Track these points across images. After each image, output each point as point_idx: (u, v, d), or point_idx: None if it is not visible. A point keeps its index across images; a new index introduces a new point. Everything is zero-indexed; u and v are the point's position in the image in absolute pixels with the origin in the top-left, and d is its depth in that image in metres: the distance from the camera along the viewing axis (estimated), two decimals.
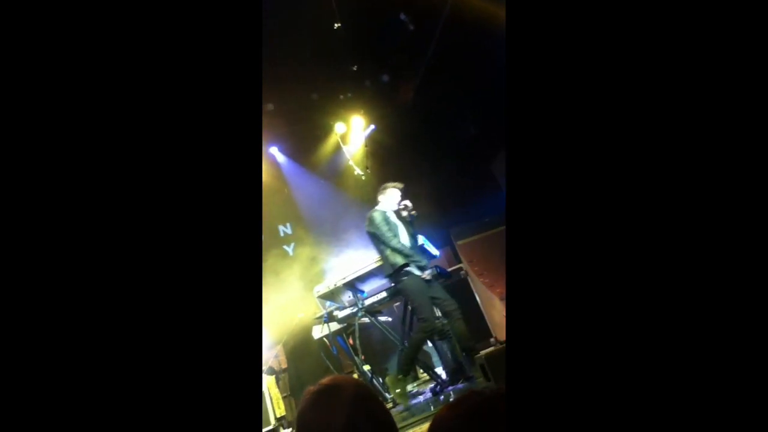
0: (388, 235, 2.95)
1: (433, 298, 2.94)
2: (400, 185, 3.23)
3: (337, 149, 5.36)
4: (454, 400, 0.72)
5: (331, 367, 3.52)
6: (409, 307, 3.18)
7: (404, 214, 3.09)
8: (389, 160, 5.40)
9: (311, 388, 1.00)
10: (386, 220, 3.01)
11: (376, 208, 3.12)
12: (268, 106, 4.86)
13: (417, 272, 2.91)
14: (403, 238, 3.03)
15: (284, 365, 3.73)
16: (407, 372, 2.89)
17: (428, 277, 2.91)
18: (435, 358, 3.67)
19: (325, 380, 1.02)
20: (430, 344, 3.58)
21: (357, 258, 3.91)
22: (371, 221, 3.03)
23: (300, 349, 3.92)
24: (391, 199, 3.15)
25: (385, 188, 3.22)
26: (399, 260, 2.91)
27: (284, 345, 3.81)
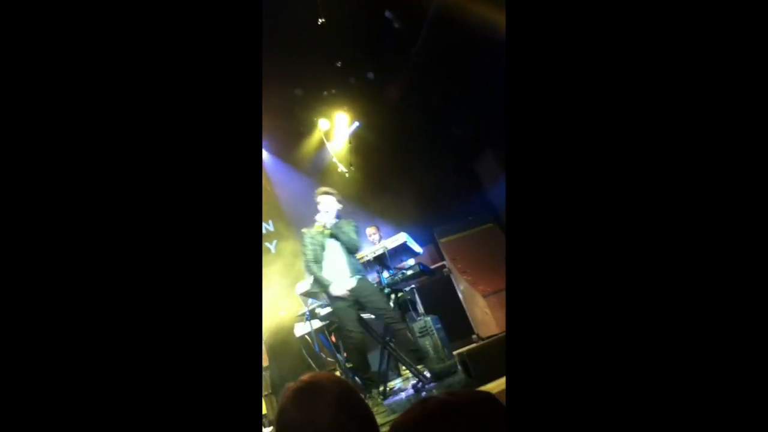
0: (307, 258, 2.92)
1: (374, 310, 2.89)
2: (326, 190, 3.05)
3: (321, 146, 5.33)
4: (410, 406, 0.70)
5: (313, 365, 3.51)
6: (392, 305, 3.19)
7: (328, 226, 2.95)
8: (373, 157, 5.39)
9: (291, 385, 0.99)
10: (311, 241, 2.92)
11: (316, 218, 2.99)
12: None
13: (334, 293, 2.87)
14: (333, 255, 2.94)
15: (265, 363, 3.69)
16: (370, 385, 2.88)
17: (345, 296, 2.86)
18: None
19: (305, 377, 1.00)
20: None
21: None
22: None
23: (282, 347, 3.89)
24: (326, 208, 2.99)
25: (317, 195, 3.05)
26: (314, 287, 2.94)
27: (265, 343, 3.78)
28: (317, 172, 5.42)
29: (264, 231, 5.21)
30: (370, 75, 5.44)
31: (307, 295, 3.29)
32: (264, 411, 3.33)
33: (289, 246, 4.83)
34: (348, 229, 2.99)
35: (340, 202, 3.06)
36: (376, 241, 3.83)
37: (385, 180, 5.32)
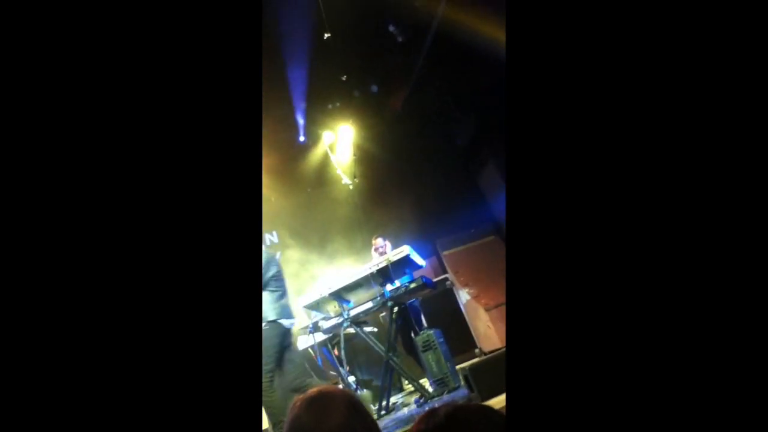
0: None
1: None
2: None
3: (325, 158, 5.38)
4: (419, 418, 0.74)
5: (316, 378, 3.49)
6: (394, 317, 3.19)
7: None
8: (377, 168, 5.43)
9: (302, 396, 1.02)
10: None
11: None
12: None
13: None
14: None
15: None
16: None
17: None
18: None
19: (315, 389, 1.05)
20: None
21: (343, 268, 3.90)
22: None
23: (285, 360, 3.88)
24: None
25: None
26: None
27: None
28: (321, 183, 5.46)
29: (268, 242, 5.24)
30: (374, 88, 5.51)
31: (311, 307, 3.30)
32: (266, 425, 3.31)
33: (293, 256, 4.84)
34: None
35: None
36: (384, 253, 3.85)
37: (388, 191, 5.35)
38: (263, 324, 2.75)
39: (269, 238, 5.32)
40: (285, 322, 2.78)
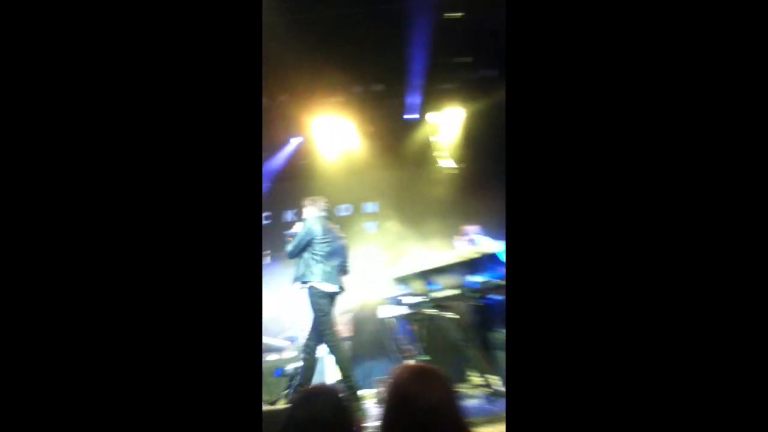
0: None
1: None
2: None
3: (431, 138, 5.38)
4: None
5: (389, 348, 3.64)
6: (474, 309, 3.19)
7: None
8: (479, 158, 5.34)
9: (404, 367, 1.12)
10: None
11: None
12: (378, 87, 5.00)
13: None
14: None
15: (350, 333, 3.93)
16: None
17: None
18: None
19: (415, 364, 1.15)
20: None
21: (434, 250, 3.95)
22: None
23: (364, 323, 4.09)
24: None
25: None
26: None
27: (352, 315, 4.00)
28: (423, 162, 5.49)
29: (367, 211, 5.47)
30: (489, 72, 5.34)
31: (398, 281, 3.41)
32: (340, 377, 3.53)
33: (391, 228, 5.00)
34: None
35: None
36: (469, 240, 3.84)
37: (487, 180, 5.26)
38: (305, 285, 2.84)
39: (372, 207, 5.49)
40: (321, 286, 2.82)
